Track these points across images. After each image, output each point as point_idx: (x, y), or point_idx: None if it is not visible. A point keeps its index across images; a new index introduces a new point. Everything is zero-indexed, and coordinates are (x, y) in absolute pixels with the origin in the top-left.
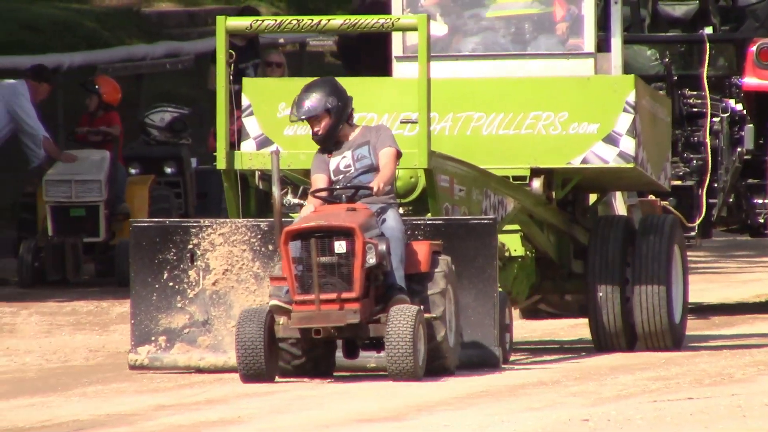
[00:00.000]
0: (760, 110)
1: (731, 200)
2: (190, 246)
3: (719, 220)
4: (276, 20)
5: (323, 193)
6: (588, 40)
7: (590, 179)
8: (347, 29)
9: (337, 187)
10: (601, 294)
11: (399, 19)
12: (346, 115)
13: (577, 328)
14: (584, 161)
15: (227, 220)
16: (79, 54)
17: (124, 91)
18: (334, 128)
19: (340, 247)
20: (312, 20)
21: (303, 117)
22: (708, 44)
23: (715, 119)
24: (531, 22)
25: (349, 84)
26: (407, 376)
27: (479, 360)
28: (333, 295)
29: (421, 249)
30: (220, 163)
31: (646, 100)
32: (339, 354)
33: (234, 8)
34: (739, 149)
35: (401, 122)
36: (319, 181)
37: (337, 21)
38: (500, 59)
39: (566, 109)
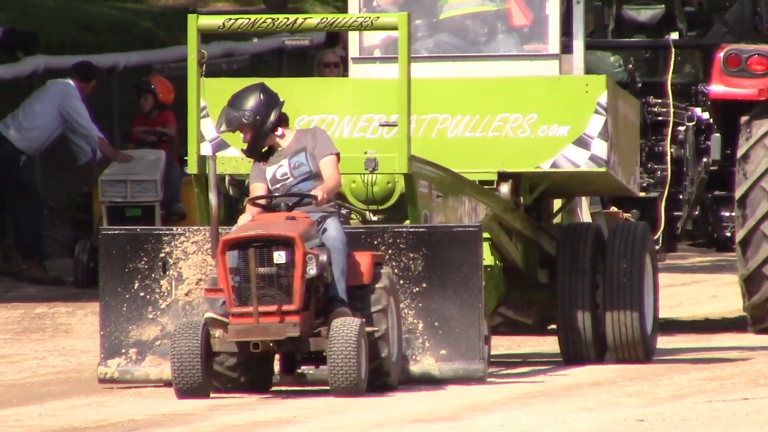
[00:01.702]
0: (726, 119)
1: (697, 213)
2: (162, 255)
3: (684, 233)
4: (250, 19)
5: (263, 201)
6: (552, 41)
7: (558, 184)
8: (324, 28)
9: (278, 195)
10: (570, 305)
11: (378, 17)
12: (270, 125)
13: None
14: (554, 165)
15: (200, 227)
16: (134, 54)
17: (180, 91)
18: (254, 141)
19: (279, 257)
20: (287, 19)
21: (223, 131)
22: (674, 50)
23: (680, 128)
24: (488, 21)
25: (308, 85)
26: (350, 391)
27: (464, 374)
28: (272, 308)
29: (363, 260)
30: (191, 168)
31: (617, 102)
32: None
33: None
34: (705, 160)
35: (380, 125)
36: (257, 189)
37: (313, 20)
38: (461, 60)
39: (535, 111)
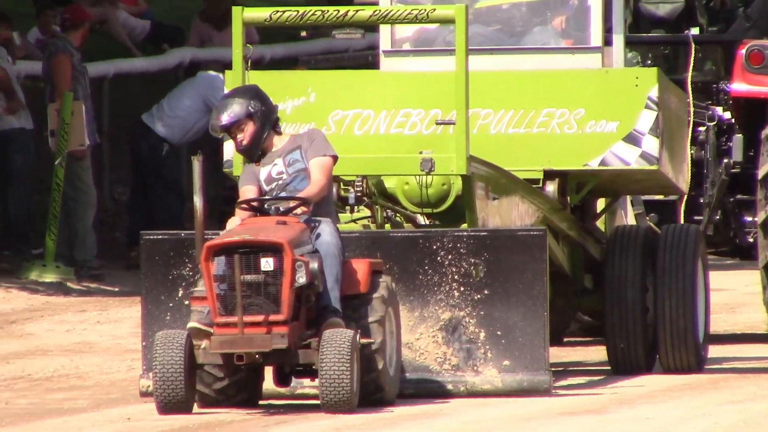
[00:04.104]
0: (749, 119)
1: (718, 217)
2: None
3: (705, 239)
4: (298, 11)
5: (253, 204)
6: (594, 33)
7: (604, 183)
8: (377, 21)
9: (267, 197)
10: (620, 312)
11: (434, 9)
12: (271, 121)
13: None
14: (603, 163)
15: None
16: (280, 46)
17: None
18: (259, 134)
19: (266, 264)
20: (338, 11)
21: (225, 124)
22: (694, 46)
23: (700, 128)
24: (527, 12)
25: (338, 78)
26: (342, 406)
27: (529, 386)
28: (258, 318)
29: (360, 268)
30: (237, 169)
31: (667, 96)
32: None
33: None
34: (726, 161)
35: (437, 123)
36: (248, 193)
37: (365, 12)
38: (498, 53)
39: (582, 106)
